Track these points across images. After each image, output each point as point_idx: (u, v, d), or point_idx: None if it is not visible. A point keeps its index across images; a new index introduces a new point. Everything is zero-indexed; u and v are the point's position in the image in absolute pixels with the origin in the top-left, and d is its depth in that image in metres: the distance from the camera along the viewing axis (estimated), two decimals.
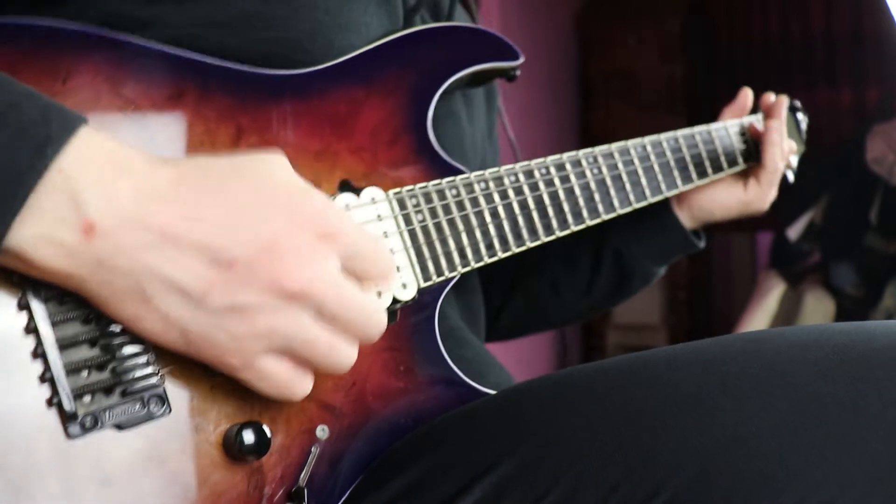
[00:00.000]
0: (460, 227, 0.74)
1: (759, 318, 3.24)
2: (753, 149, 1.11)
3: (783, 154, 1.08)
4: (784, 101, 1.12)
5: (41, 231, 0.47)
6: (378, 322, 0.58)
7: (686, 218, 1.08)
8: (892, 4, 2.14)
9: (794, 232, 3.32)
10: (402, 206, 0.70)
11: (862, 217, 3.17)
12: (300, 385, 0.56)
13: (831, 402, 0.52)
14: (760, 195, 1.09)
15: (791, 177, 1.18)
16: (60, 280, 0.50)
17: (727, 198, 1.08)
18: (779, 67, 3.93)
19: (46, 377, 0.50)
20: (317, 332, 0.54)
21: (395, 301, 0.68)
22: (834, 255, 3.23)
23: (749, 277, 3.87)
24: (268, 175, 0.54)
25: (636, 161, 0.92)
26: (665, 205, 1.07)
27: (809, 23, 3.87)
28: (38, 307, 0.51)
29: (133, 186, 0.50)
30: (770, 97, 1.14)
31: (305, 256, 0.53)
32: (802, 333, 0.59)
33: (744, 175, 1.09)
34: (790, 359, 0.56)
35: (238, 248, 0.51)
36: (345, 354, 0.56)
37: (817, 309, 3.18)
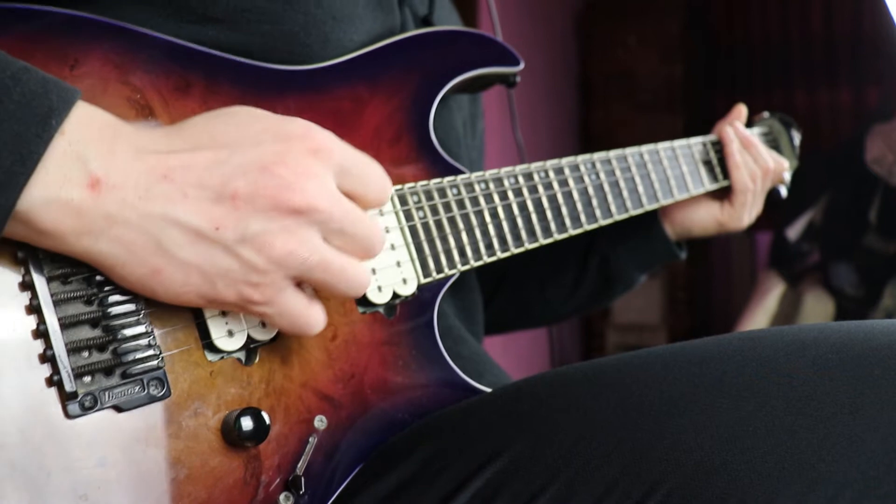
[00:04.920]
0: (460, 225, 0.74)
1: (759, 318, 3.24)
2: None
3: (752, 174, 1.09)
4: (735, 123, 1.12)
5: (49, 192, 0.48)
6: (380, 237, 0.59)
7: (668, 230, 1.11)
8: (892, 5, 2.14)
9: (793, 232, 3.32)
10: (404, 202, 0.71)
11: (861, 217, 3.16)
12: (315, 317, 0.58)
13: (829, 401, 0.52)
14: (734, 215, 1.10)
15: (784, 192, 1.19)
16: (71, 245, 0.50)
17: (704, 216, 1.10)
18: (779, 68, 3.93)
19: (48, 356, 0.51)
20: (329, 252, 0.56)
21: (395, 296, 0.69)
22: (833, 255, 3.23)
23: (749, 277, 3.87)
24: (247, 113, 0.56)
25: (633, 169, 0.94)
26: (653, 215, 1.09)
27: (809, 23, 3.87)
28: (40, 286, 0.51)
29: (129, 143, 0.51)
30: (734, 119, 1.14)
31: (302, 172, 0.54)
32: (801, 332, 0.59)
33: (720, 197, 1.11)
34: (788, 358, 0.56)
35: (236, 179, 0.52)
36: (357, 273, 0.58)
37: (817, 309, 3.18)
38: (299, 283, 0.57)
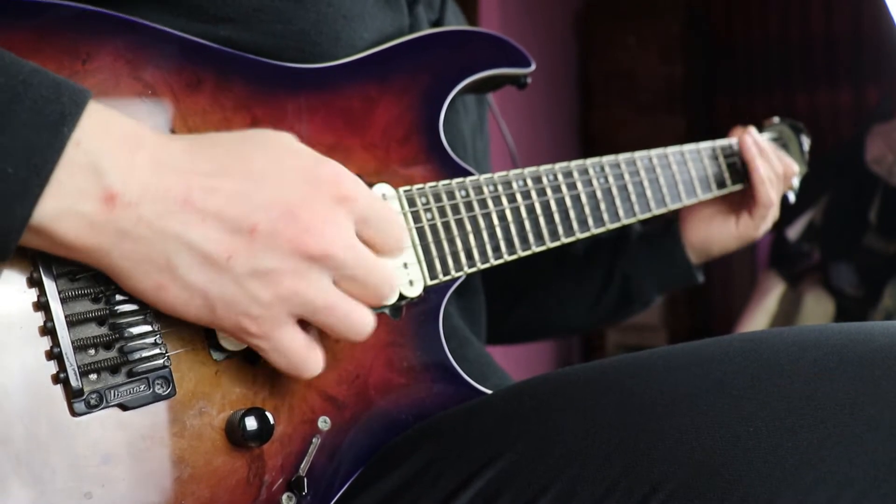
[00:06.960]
0: (468, 227, 0.74)
1: (759, 318, 3.24)
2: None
3: (777, 186, 1.10)
4: (751, 129, 1.12)
5: (63, 204, 0.48)
6: (392, 285, 0.59)
7: (689, 254, 1.11)
8: (892, 5, 2.15)
9: (793, 232, 3.32)
10: (412, 203, 0.71)
11: (861, 217, 3.16)
12: (313, 360, 0.57)
13: (829, 402, 0.53)
14: (752, 227, 1.11)
15: (792, 198, 1.19)
16: (83, 255, 0.50)
17: (722, 234, 1.11)
18: (779, 68, 3.93)
19: (54, 353, 0.51)
20: (336, 297, 0.56)
21: (401, 297, 0.69)
22: (833, 255, 3.22)
23: (749, 277, 3.87)
24: (279, 144, 0.56)
25: (642, 172, 0.93)
26: (676, 238, 1.10)
27: (809, 23, 3.87)
28: (48, 283, 0.51)
29: (151, 157, 0.50)
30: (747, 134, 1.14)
31: (324, 219, 0.54)
32: (801, 334, 0.59)
33: (736, 210, 1.11)
34: (788, 359, 0.56)
35: (258, 214, 0.52)
36: (361, 318, 0.57)
37: (817, 309, 3.17)
38: (304, 324, 0.57)
